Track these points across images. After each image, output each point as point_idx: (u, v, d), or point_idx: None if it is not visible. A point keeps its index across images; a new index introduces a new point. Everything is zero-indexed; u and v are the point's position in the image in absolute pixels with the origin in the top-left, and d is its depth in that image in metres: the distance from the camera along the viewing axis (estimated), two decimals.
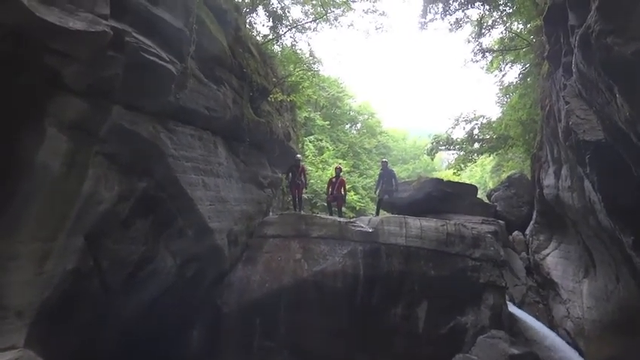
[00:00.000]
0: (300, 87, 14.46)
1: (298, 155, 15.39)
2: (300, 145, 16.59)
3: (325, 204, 18.61)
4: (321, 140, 23.94)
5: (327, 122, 26.14)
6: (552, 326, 13.77)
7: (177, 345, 9.49)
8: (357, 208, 20.76)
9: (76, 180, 6.43)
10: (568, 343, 12.95)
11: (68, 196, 6.40)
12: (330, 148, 24.24)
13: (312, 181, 19.50)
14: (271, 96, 11.71)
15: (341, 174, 15.11)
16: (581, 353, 12.62)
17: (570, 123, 9.01)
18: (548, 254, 15.15)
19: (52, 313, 6.57)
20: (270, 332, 9.92)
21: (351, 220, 12.16)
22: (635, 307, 11.83)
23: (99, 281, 7.32)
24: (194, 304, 9.64)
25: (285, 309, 9.97)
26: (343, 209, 18.75)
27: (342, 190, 14.89)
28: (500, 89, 21.76)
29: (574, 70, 7.95)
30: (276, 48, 14.60)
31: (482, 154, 22.49)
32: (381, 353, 10.19)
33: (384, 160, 17.18)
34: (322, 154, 22.55)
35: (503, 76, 20.73)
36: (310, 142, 22.44)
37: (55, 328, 6.75)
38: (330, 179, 15.06)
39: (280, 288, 10.05)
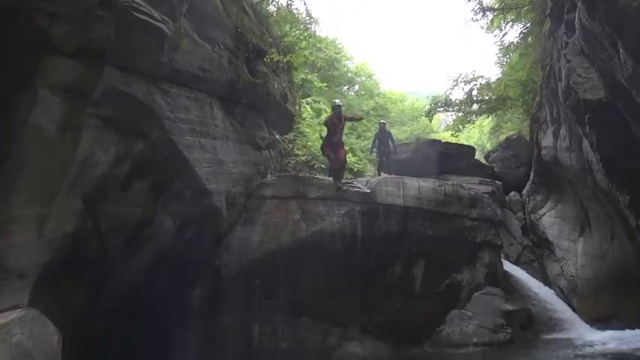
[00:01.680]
0: (297, 48, 14.17)
1: (336, 100, 12.26)
2: (297, 107, 16.40)
3: (324, 166, 18.60)
4: (318, 102, 23.67)
5: (325, 84, 25.79)
6: (546, 284, 14.08)
7: (180, 305, 9.68)
8: (355, 169, 20.74)
9: (71, 143, 6.40)
10: (561, 300, 13.28)
11: (64, 159, 6.39)
12: (328, 110, 23.97)
13: (309, 143, 19.41)
14: (267, 56, 11.49)
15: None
16: (574, 310, 12.95)
17: (571, 82, 8.94)
18: (544, 214, 15.33)
19: (54, 275, 6.66)
20: (270, 292, 10.11)
21: (349, 180, 12.20)
22: (628, 265, 12.08)
23: (98, 244, 7.39)
24: (194, 265, 9.77)
25: (284, 269, 10.12)
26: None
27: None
28: (500, 49, 21.41)
29: (577, 25, 7.81)
30: (272, 8, 14.24)
31: (480, 115, 22.39)
32: (379, 311, 10.43)
33: (382, 121, 17.02)
34: (319, 116, 22.33)
35: (504, 35, 20.34)
36: (307, 104, 22.19)
37: (58, 288, 6.86)
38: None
39: (279, 248, 10.17)
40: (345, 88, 32.09)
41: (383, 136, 15.70)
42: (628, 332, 10.94)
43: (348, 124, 15.90)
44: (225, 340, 9.68)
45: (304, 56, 14.20)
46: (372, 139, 17.43)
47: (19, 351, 5.24)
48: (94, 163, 6.73)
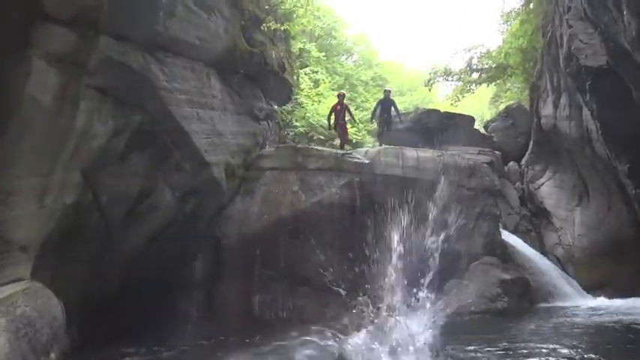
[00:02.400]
0: (294, 15, 13.94)
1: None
2: (295, 77, 16.23)
3: (322, 137, 18.54)
4: (316, 72, 23.39)
5: (323, 54, 25.45)
6: (543, 253, 14.24)
7: (181, 275, 9.77)
8: (354, 140, 20.66)
9: (68, 114, 6.34)
10: (558, 269, 13.47)
11: (62, 130, 6.34)
12: (326, 80, 23.74)
13: (308, 114, 19.28)
14: (264, 25, 11.31)
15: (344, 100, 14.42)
16: (570, 279, 13.16)
17: (572, 48, 8.83)
18: (542, 184, 15.40)
19: (56, 247, 6.71)
20: (269, 262, 10.19)
21: (348, 151, 12.17)
22: (624, 235, 12.22)
23: (99, 215, 7.42)
24: (195, 236, 9.82)
25: (283, 240, 10.18)
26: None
27: (349, 115, 14.61)
28: (501, 16, 21.08)
29: None
30: None
31: (480, 84, 22.22)
32: (378, 280, 10.52)
33: (387, 88, 16.52)
34: (318, 87, 22.12)
35: (505, 1, 20.01)
36: (306, 74, 21.94)
37: (60, 260, 6.92)
38: (334, 106, 14.22)
39: (278, 219, 10.22)
40: (344, 57, 31.66)
41: (386, 104, 15.25)
42: (622, 301, 11.17)
43: (346, 94, 16.53)
44: (225, 309, 9.82)
45: (302, 24, 14.00)
46: (373, 107, 17.09)
47: (23, 322, 5.30)
48: (92, 134, 6.70)
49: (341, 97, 14.37)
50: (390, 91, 15.92)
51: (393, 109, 15.02)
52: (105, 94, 6.79)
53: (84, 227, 7.18)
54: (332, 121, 14.20)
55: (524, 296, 11.18)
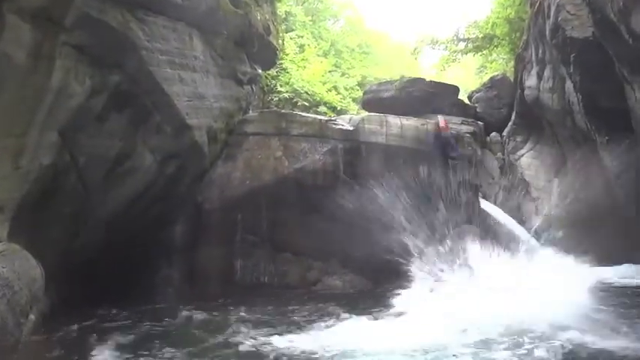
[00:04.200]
0: None
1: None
2: (280, 41, 15.91)
3: (306, 103, 18.38)
4: (302, 37, 22.98)
5: (309, 17, 24.96)
6: (521, 222, 14.57)
7: (162, 239, 9.76)
8: (339, 108, 20.54)
9: (44, 72, 6.15)
10: (535, 239, 13.82)
11: (37, 89, 6.15)
12: (312, 45, 23.36)
13: (292, 80, 19.01)
14: None
15: None
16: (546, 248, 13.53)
17: (559, 19, 8.83)
18: (523, 155, 15.65)
19: (33, 208, 6.61)
20: (251, 228, 10.22)
21: (332, 118, 12.10)
22: (600, 205, 12.54)
23: (77, 177, 7.30)
24: (176, 200, 9.76)
25: (266, 205, 10.19)
26: (324, 109, 18.58)
27: None
28: None
29: None
30: None
31: (466, 54, 22.14)
32: (359, 246, 10.67)
33: (439, 123, 12.33)
34: (303, 52, 21.77)
35: None
36: (291, 38, 21.53)
37: (37, 222, 6.83)
38: None
39: (261, 185, 10.19)
40: (330, 22, 31.13)
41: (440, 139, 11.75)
42: (596, 269, 11.56)
43: (331, 60, 15.74)
44: (207, 274, 9.88)
45: None
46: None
47: (1, 284, 5.25)
48: (68, 94, 6.51)
49: None
50: (443, 126, 12.13)
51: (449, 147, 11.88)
52: (82, 52, 6.58)
53: (61, 189, 7.07)
54: None
55: None
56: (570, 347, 5.14)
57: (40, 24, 5.82)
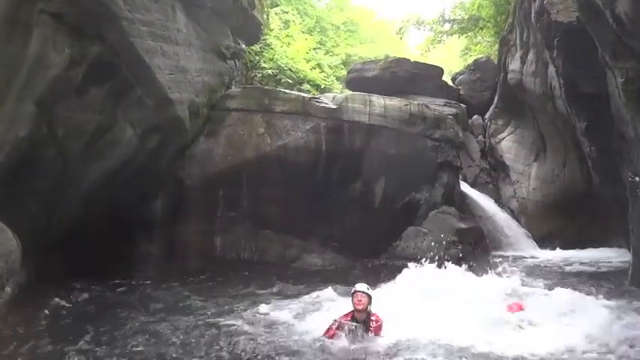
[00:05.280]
0: None
1: None
2: (265, 15, 15.64)
3: (290, 81, 18.18)
4: (287, 13, 22.59)
5: None
6: (499, 205, 14.86)
7: (142, 214, 9.67)
8: (322, 86, 20.37)
9: (20, 41, 6.01)
10: (512, 221, 14.13)
11: (13, 58, 6.02)
12: (297, 22, 23.00)
13: (277, 56, 18.75)
14: None
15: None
16: (523, 230, 13.89)
17: (545, 2, 8.88)
18: (503, 138, 15.83)
19: (9, 181, 6.48)
20: (232, 204, 10.20)
21: (316, 96, 12.03)
22: (576, 190, 12.86)
23: (56, 149, 7.15)
24: (157, 175, 9.66)
25: (247, 182, 10.17)
26: (308, 87, 18.38)
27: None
28: None
29: None
30: None
31: (451, 35, 22.11)
32: (339, 225, 10.77)
33: None
34: (288, 28, 21.44)
35: None
36: (276, 14, 21.15)
37: (14, 194, 6.69)
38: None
39: (243, 162, 10.15)
40: None
41: None
42: (571, 252, 11.95)
43: (316, 37, 15.33)
44: (187, 249, 9.87)
45: None
46: None
47: None
48: (46, 64, 6.34)
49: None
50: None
51: None
52: (60, 21, 6.38)
53: (39, 161, 6.92)
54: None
55: (478, 245, 11.68)
56: None
57: None
